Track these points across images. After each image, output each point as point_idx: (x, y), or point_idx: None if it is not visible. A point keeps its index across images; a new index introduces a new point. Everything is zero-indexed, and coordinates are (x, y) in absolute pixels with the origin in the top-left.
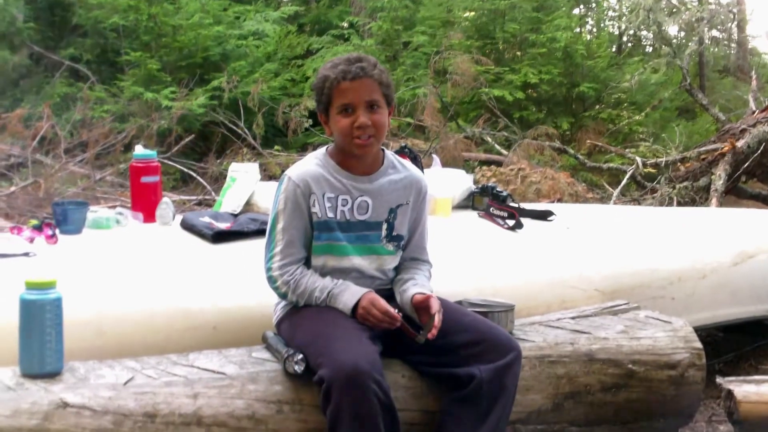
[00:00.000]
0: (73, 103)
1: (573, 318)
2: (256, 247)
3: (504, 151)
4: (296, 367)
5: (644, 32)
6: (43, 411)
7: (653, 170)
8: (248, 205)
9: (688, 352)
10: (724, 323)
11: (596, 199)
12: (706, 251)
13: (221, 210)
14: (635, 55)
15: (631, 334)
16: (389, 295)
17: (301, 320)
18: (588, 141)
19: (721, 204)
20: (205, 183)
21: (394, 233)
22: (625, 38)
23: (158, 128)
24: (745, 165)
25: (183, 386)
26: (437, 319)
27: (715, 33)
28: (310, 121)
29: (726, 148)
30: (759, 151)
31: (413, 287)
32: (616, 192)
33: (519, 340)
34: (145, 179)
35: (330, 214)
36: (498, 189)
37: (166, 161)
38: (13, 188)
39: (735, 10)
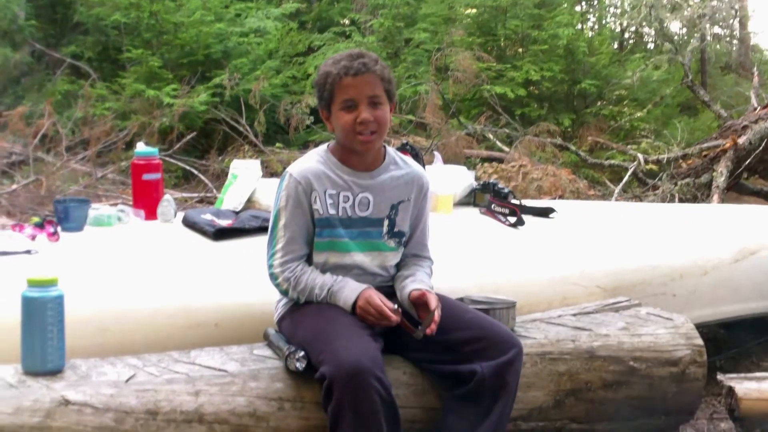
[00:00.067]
0: (74, 101)
1: (574, 315)
2: (257, 244)
3: (505, 148)
4: (298, 365)
5: (646, 29)
6: (45, 408)
7: (655, 167)
8: (250, 203)
9: (689, 348)
10: (725, 320)
11: (598, 195)
12: (707, 248)
13: (223, 207)
14: (637, 52)
15: (632, 330)
16: (391, 292)
17: (302, 317)
18: (589, 138)
19: (722, 200)
20: (206, 180)
21: (396, 229)
22: (626, 35)
23: (160, 126)
24: (747, 161)
25: (184, 383)
26: (436, 314)
27: (717, 29)
28: (312, 119)
29: (728, 145)
30: (761, 148)
31: (412, 283)
32: (617, 189)
33: (520, 337)
34: (146, 176)
35: (331, 211)
36: (499, 186)
37: (167, 159)
38: (14, 186)
39: (737, 7)
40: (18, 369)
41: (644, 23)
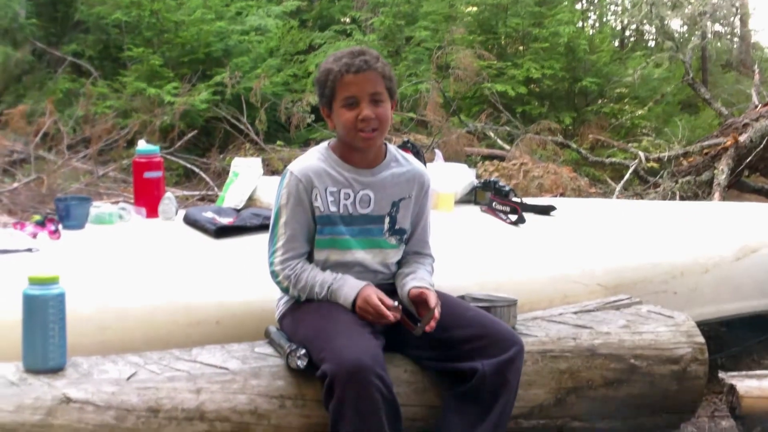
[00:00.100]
0: (75, 99)
1: (575, 313)
2: (258, 242)
3: (506, 146)
4: (299, 362)
5: (647, 26)
6: (47, 406)
7: (656, 165)
8: (251, 200)
9: (690, 346)
10: (726, 318)
11: (599, 193)
12: (708, 246)
13: (224, 205)
14: (638, 50)
15: (633, 328)
16: (392, 289)
17: (303, 315)
18: (590, 136)
19: (723, 198)
20: (207, 178)
21: (397, 227)
22: (627, 32)
23: (161, 124)
24: (748, 159)
25: (186, 381)
26: (436, 312)
27: (717, 27)
28: (313, 117)
29: (729, 143)
30: (762, 146)
31: (412, 281)
32: (618, 187)
33: (521, 334)
34: (147, 175)
35: (332, 208)
36: (500, 184)
37: (168, 157)
38: (16, 184)
39: (737, 4)
40: (19, 367)
41: (645, 21)
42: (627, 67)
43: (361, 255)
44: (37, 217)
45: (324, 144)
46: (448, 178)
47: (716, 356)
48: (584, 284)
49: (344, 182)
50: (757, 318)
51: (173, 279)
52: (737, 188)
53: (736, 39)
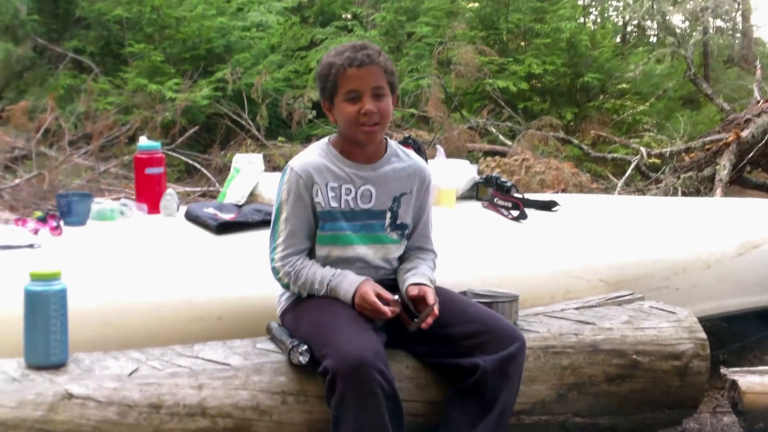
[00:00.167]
0: (77, 95)
1: (577, 308)
2: (260, 237)
3: (508, 142)
4: (301, 358)
5: (648, 22)
6: (48, 402)
7: (658, 160)
8: (252, 196)
9: (692, 342)
10: (728, 314)
11: (600, 189)
12: (710, 241)
13: (225, 201)
14: (639, 46)
15: (635, 324)
16: (393, 285)
17: (304, 311)
18: (592, 131)
19: (725, 194)
20: (209, 174)
21: (398, 222)
22: (629, 28)
23: (162, 120)
24: (750, 155)
25: (187, 377)
26: (435, 309)
27: (719, 23)
28: (314, 113)
29: (730, 138)
30: (763, 141)
31: (412, 277)
32: (620, 182)
33: (523, 330)
34: (149, 171)
35: (333, 204)
36: (502, 179)
37: (170, 153)
38: (17, 180)
39: (739, 0)
40: (21, 363)
41: (647, 16)
42: (629, 63)
43: (362, 250)
44: (39, 214)
45: (324, 140)
46: (450, 174)
47: (718, 352)
48: (586, 280)
49: (345, 177)
50: (759, 314)
51: (175, 275)
52: (739, 184)
53: (737, 34)
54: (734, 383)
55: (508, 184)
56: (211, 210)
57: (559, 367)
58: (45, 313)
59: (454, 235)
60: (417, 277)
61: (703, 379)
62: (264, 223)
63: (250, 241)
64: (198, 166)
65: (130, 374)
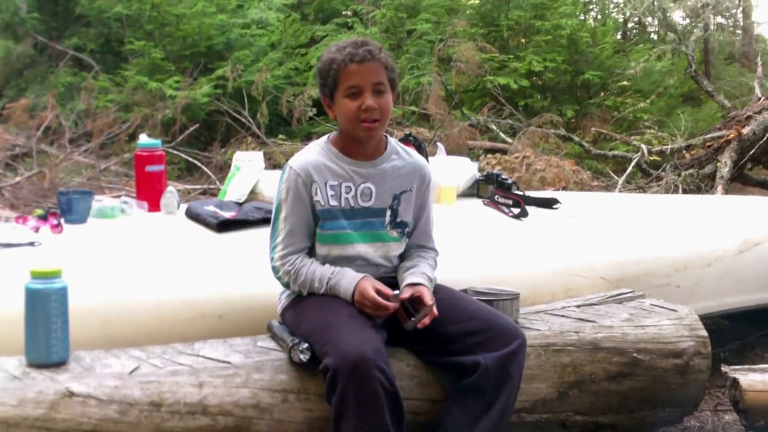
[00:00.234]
0: (77, 93)
1: (578, 306)
2: (260, 235)
3: (509, 139)
4: (301, 356)
5: (649, 19)
6: (49, 400)
7: (658, 158)
8: (253, 194)
9: (693, 340)
10: (729, 311)
11: (601, 186)
12: (711, 239)
13: (226, 199)
14: (640, 42)
15: (636, 322)
16: (394, 282)
17: (305, 309)
18: (593, 128)
19: (726, 191)
20: (209, 172)
21: (399, 219)
22: (630, 25)
23: (162, 117)
24: (751, 152)
25: (188, 375)
26: (434, 310)
27: (720, 19)
28: (315, 110)
29: (731, 135)
30: (765, 138)
31: (410, 277)
32: (621, 180)
33: (524, 328)
34: (149, 168)
35: (333, 202)
36: (503, 177)
37: (170, 150)
38: (18, 178)
39: None
40: (22, 361)
41: (647, 13)
42: (629, 60)
43: (363, 248)
44: (39, 211)
45: (324, 138)
46: (451, 171)
47: (719, 350)
48: (587, 278)
49: (345, 175)
50: (760, 311)
51: (175, 273)
52: (740, 181)
53: (738, 31)
54: (735, 381)
55: (509, 181)
56: (211, 208)
57: (560, 365)
58: (46, 311)
59: (454, 233)
60: (414, 277)
61: (704, 377)
62: (264, 221)
63: (251, 239)
64: (198, 163)
65: (131, 372)
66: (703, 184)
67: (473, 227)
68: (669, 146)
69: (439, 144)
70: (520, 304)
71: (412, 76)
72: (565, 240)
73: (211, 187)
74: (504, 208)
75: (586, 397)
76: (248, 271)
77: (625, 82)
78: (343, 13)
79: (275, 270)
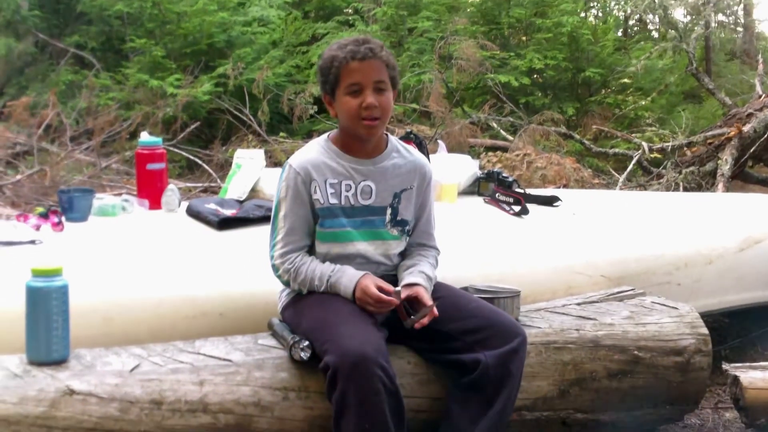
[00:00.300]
0: (78, 91)
1: (579, 304)
2: (261, 233)
3: (510, 137)
4: (302, 354)
5: (650, 16)
6: (50, 398)
7: (659, 155)
8: (254, 192)
9: (694, 338)
10: (730, 309)
11: (602, 184)
12: (712, 237)
13: (227, 197)
14: (641, 40)
15: (636, 320)
16: (394, 281)
17: (305, 307)
18: (594, 126)
19: (727, 189)
20: (210, 170)
21: (399, 218)
22: (631, 22)
23: (163, 115)
24: (752, 149)
25: (189, 373)
26: (435, 310)
27: (721, 17)
28: (316, 108)
29: (732, 133)
30: (765, 136)
31: (408, 276)
32: (622, 177)
33: (524, 326)
34: (150, 166)
35: (333, 200)
36: (504, 174)
37: (171, 148)
38: (18, 176)
39: None
40: (23, 359)
41: (648, 10)
42: (630, 58)
43: (363, 246)
44: (41, 209)
45: (324, 136)
46: (452, 169)
47: (720, 347)
48: (588, 275)
49: (345, 173)
50: (760, 309)
51: (176, 271)
52: (741, 179)
53: (739, 29)
54: (736, 379)
55: (510, 179)
56: (212, 206)
57: (561, 362)
58: (47, 309)
59: (455, 231)
60: (412, 277)
61: (705, 375)
62: (265, 219)
63: (252, 237)
64: (199, 161)
65: (132, 370)
66: (704, 182)
67: (474, 225)
68: (670, 144)
69: (440, 142)
70: (520, 301)
71: (413, 74)
72: (566, 238)
73: (212, 185)
74: (505, 205)
75: (586, 394)
76: (249, 269)
77: (626, 80)
78: (344, 10)
79: (275, 268)
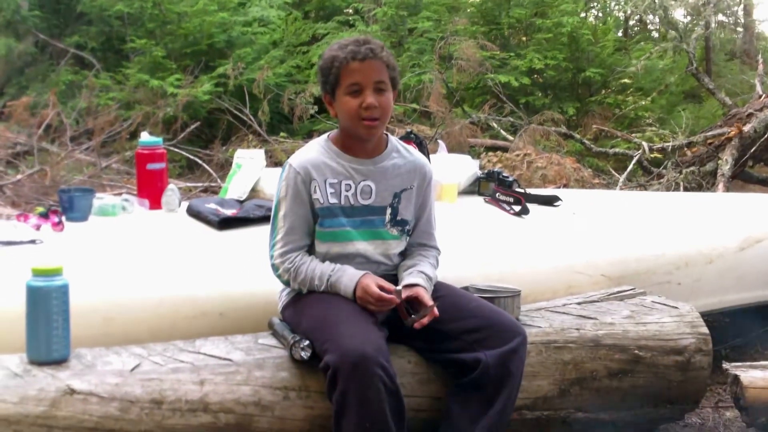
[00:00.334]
0: (78, 91)
1: (579, 303)
2: (261, 233)
3: (510, 137)
4: (302, 354)
5: (650, 16)
6: (50, 398)
7: (660, 155)
8: (254, 192)
9: (694, 337)
10: (730, 308)
11: (602, 184)
12: (712, 236)
13: (227, 196)
14: (641, 40)
15: (637, 319)
16: (394, 281)
17: (305, 307)
18: (594, 126)
19: (727, 189)
20: (210, 170)
21: (399, 218)
22: (631, 23)
23: (164, 115)
24: (752, 149)
25: (189, 373)
26: (435, 311)
27: (721, 17)
28: (316, 108)
29: (732, 133)
30: (766, 136)
31: (408, 277)
32: (622, 177)
33: (525, 325)
34: (150, 166)
35: (333, 200)
36: (504, 174)
37: (171, 148)
38: (19, 176)
39: None
40: (23, 358)
41: (648, 11)
42: (631, 58)
43: (362, 246)
44: (41, 209)
45: (324, 136)
46: (452, 169)
47: (720, 347)
48: (588, 275)
49: (345, 173)
50: (761, 308)
51: (177, 271)
52: (741, 179)
53: (740, 29)
54: (736, 378)
55: (510, 179)
56: (212, 206)
57: (561, 362)
58: (47, 308)
59: (456, 231)
60: (412, 277)
61: (705, 374)
62: (266, 219)
63: (252, 237)
64: (199, 161)
65: (132, 370)
66: (704, 182)
67: (474, 225)
68: (670, 144)
69: (440, 141)
70: (521, 301)
71: (414, 74)
72: (566, 237)
73: (213, 184)
74: (505, 205)
75: (587, 394)
76: (249, 269)
77: (626, 80)
78: (345, 11)
79: (275, 268)
